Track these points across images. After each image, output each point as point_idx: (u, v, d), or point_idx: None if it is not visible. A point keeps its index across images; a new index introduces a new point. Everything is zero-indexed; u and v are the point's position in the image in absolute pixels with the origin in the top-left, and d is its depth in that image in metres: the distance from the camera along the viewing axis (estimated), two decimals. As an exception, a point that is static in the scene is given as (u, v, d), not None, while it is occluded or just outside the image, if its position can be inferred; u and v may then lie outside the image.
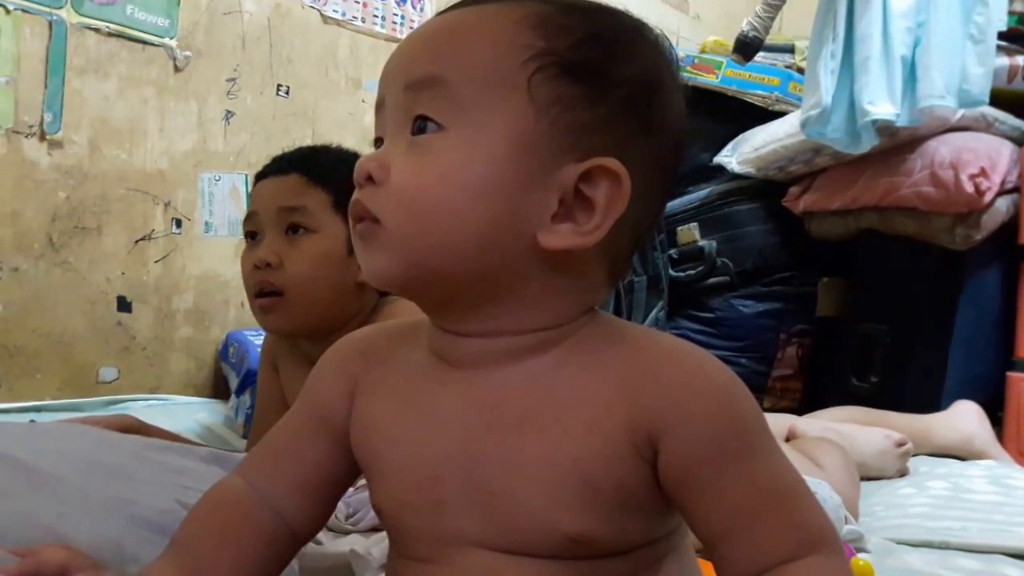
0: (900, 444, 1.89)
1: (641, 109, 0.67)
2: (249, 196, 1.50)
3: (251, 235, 1.43)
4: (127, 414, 1.49)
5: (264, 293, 1.38)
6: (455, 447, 0.67)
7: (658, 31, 0.72)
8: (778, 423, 1.86)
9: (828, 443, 1.75)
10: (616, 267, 0.71)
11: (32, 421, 1.62)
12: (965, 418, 2.12)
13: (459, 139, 0.64)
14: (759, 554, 0.63)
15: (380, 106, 0.70)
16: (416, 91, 0.66)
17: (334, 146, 1.57)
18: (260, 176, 1.48)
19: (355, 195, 0.68)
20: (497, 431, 0.66)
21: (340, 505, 1.05)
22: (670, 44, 0.72)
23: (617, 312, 2.45)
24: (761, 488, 0.64)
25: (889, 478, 1.86)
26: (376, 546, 0.93)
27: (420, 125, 0.66)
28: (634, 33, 0.70)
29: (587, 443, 0.64)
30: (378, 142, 0.70)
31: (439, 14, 0.71)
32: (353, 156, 1.49)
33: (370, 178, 0.66)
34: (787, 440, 1.83)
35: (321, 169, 1.43)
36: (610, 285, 0.73)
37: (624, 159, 0.65)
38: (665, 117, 0.69)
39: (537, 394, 0.66)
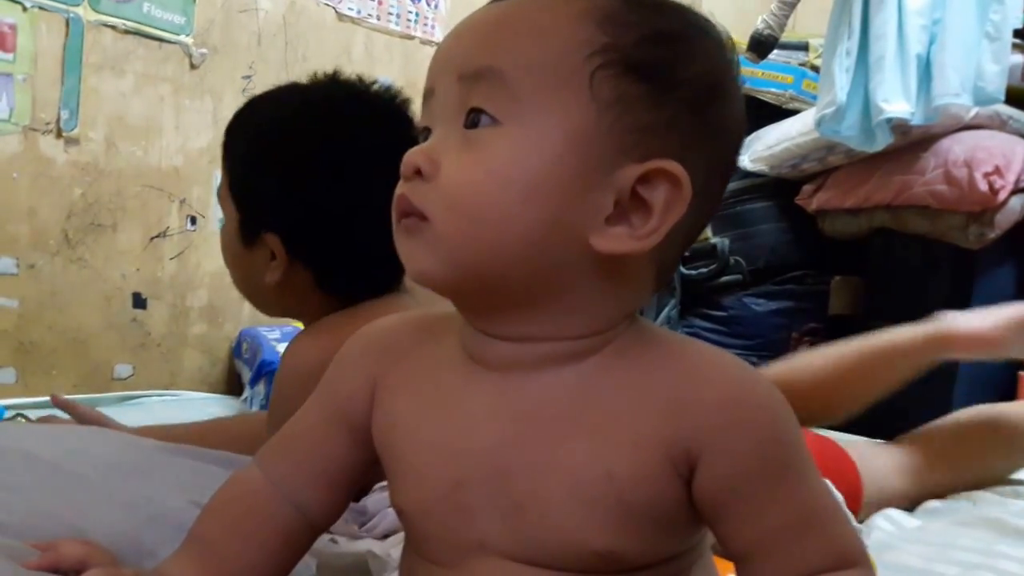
0: None
1: (703, 111, 0.65)
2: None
3: None
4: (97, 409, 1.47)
5: None
6: (483, 453, 0.65)
7: (723, 30, 0.69)
8: None
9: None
10: (663, 272, 0.68)
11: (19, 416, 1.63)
12: None
13: (515, 135, 0.61)
14: (790, 571, 0.63)
15: (429, 95, 0.67)
16: (471, 82, 0.63)
17: (278, 92, 1.29)
18: None
19: (400, 188, 0.65)
20: (529, 439, 0.64)
21: (353, 515, 1.05)
22: (733, 44, 0.70)
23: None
24: (798, 508, 0.63)
25: None
26: (395, 548, 0.93)
27: (474, 118, 0.63)
28: (699, 32, 0.67)
29: (622, 457, 0.62)
30: (424, 132, 0.67)
31: (492, 1, 0.67)
32: (260, 118, 1.26)
33: (418, 172, 0.63)
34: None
35: (225, 140, 1.27)
36: (656, 290, 0.70)
37: (684, 162, 0.62)
38: (725, 120, 0.67)
39: (574, 404, 0.64)
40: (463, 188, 0.62)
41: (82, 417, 1.38)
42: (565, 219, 0.62)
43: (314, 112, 1.21)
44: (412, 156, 0.64)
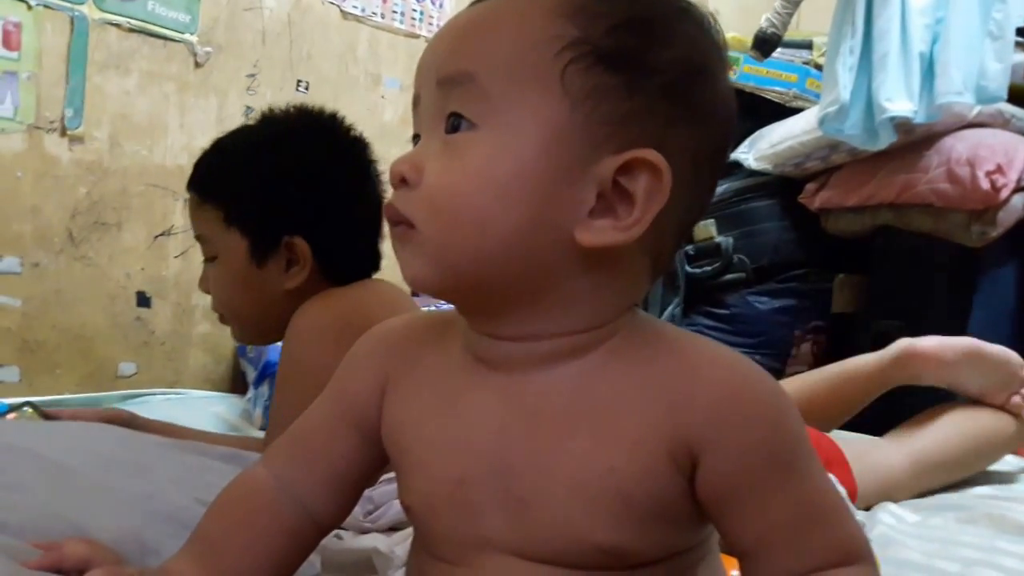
0: None
1: (683, 96, 0.64)
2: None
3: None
4: (123, 409, 1.50)
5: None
6: (488, 451, 0.66)
7: (706, 12, 0.68)
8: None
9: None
10: (659, 263, 0.68)
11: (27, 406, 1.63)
12: None
13: (491, 138, 0.62)
14: (793, 566, 0.63)
15: (416, 102, 0.68)
16: (448, 87, 0.64)
17: (243, 130, 1.43)
18: None
19: (390, 197, 0.66)
20: (532, 437, 0.65)
21: (360, 501, 1.05)
22: (718, 26, 0.68)
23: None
24: (802, 505, 0.63)
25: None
26: (399, 545, 0.93)
27: (454, 123, 0.63)
28: (677, 15, 0.66)
29: (623, 453, 0.62)
30: (416, 138, 0.68)
31: (472, 4, 0.68)
32: (246, 148, 1.36)
33: (404, 180, 0.64)
34: None
35: (207, 181, 1.33)
36: (652, 282, 0.70)
37: (665, 149, 0.62)
38: (710, 103, 0.66)
39: (575, 400, 0.65)
40: (442, 193, 0.63)
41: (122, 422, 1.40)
42: (547, 216, 0.62)
43: (295, 129, 1.34)
44: (397, 165, 0.65)
